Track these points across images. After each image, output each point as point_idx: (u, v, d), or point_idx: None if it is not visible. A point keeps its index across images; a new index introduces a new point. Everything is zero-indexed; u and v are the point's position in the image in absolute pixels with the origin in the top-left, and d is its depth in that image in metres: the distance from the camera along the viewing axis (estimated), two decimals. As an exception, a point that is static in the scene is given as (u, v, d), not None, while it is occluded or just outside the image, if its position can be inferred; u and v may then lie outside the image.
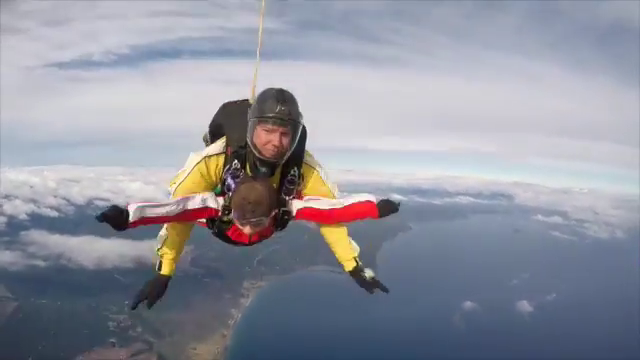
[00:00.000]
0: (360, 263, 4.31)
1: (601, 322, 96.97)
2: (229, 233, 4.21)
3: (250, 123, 3.71)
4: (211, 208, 3.90)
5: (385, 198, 4.19)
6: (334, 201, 4.15)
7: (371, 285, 4.22)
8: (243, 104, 4.18)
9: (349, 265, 4.33)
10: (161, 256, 4.11)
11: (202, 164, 3.94)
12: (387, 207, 4.14)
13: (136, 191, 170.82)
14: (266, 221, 3.73)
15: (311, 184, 4.19)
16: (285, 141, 3.66)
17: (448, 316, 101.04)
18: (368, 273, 4.25)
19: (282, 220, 4.16)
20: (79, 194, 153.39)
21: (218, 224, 4.13)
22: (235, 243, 4.42)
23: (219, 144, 4.01)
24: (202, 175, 3.94)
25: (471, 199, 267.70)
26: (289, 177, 4.06)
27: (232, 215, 3.78)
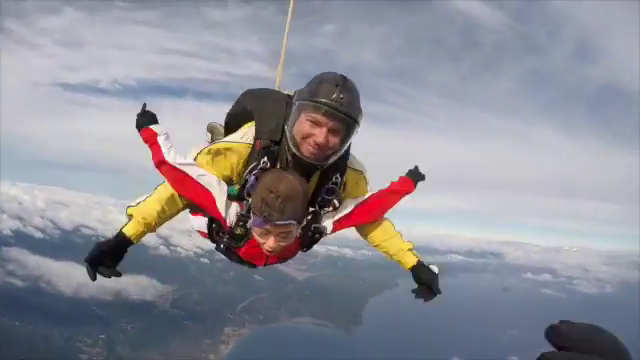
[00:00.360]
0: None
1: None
2: (241, 251, 3.42)
3: (294, 108, 3.01)
4: (215, 203, 3.20)
5: (411, 170, 3.89)
6: (360, 197, 3.59)
7: (431, 289, 3.60)
8: (279, 93, 3.55)
9: (409, 259, 3.66)
10: (131, 215, 3.23)
11: (220, 153, 3.24)
12: (417, 175, 3.84)
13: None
14: (296, 231, 3.04)
15: (353, 191, 3.55)
16: (333, 140, 2.96)
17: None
18: (433, 268, 3.68)
19: (312, 238, 3.46)
20: (67, 219, 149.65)
21: (227, 239, 3.36)
22: (245, 263, 3.66)
23: (245, 133, 3.25)
24: (216, 166, 3.26)
25: (461, 257, 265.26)
26: (329, 186, 3.29)
27: (251, 222, 3.02)
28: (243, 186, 3.18)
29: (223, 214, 3.19)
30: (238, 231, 3.21)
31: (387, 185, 3.74)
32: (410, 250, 3.70)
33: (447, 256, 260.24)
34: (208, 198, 3.15)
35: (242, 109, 3.45)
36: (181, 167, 3.17)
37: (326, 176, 3.24)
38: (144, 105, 3.53)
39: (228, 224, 3.23)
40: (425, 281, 3.60)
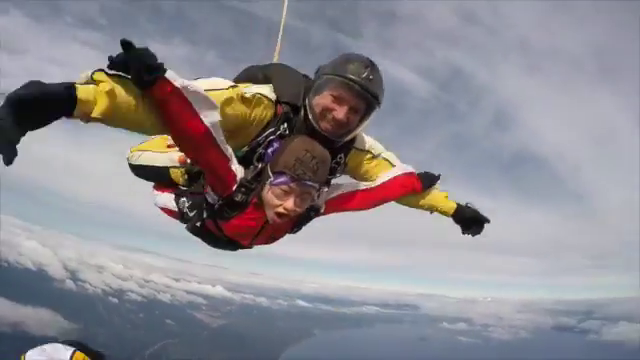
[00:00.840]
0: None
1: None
2: (229, 225, 3.05)
3: (319, 81, 2.91)
4: (230, 164, 2.73)
5: (424, 172, 3.69)
6: (368, 182, 3.47)
7: (479, 221, 3.64)
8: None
9: (450, 205, 3.66)
10: (97, 81, 2.05)
11: (248, 101, 2.82)
12: (430, 178, 3.65)
13: (30, 250, 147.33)
14: (315, 196, 2.94)
15: (356, 168, 3.43)
16: (352, 118, 2.91)
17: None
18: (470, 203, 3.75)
19: (307, 216, 3.20)
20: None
21: (220, 208, 2.97)
22: (225, 245, 3.39)
23: (269, 89, 2.96)
24: (235, 112, 2.75)
25: (377, 309, 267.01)
26: (332, 164, 3.05)
27: (270, 181, 2.74)
28: (252, 150, 2.89)
29: (238, 175, 2.80)
30: (239, 198, 2.84)
31: (394, 173, 3.49)
32: (446, 197, 3.69)
33: (363, 307, 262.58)
34: (225, 159, 2.70)
35: (253, 76, 3.18)
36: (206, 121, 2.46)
37: (332, 154, 2.96)
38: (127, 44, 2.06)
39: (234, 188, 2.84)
40: (472, 216, 3.60)
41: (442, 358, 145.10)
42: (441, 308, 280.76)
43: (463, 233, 3.65)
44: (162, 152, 3.48)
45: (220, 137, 2.57)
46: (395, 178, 3.45)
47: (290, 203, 2.73)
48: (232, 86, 2.74)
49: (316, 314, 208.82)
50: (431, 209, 3.66)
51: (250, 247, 3.38)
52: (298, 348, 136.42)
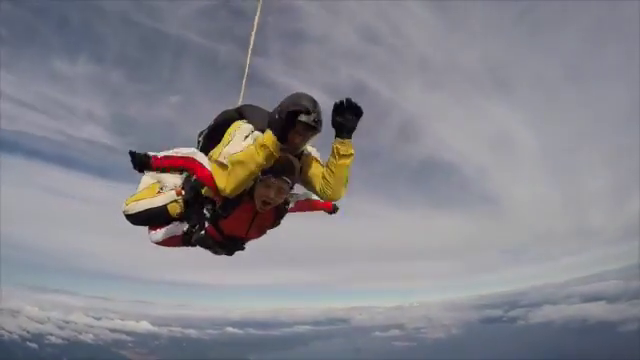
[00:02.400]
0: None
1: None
2: (228, 222, 4.33)
3: (279, 120, 3.90)
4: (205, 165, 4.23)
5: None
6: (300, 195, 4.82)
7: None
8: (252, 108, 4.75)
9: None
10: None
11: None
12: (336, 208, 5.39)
13: None
14: (288, 192, 4.16)
15: (313, 167, 4.38)
16: (304, 143, 4.15)
17: None
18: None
19: (282, 210, 4.53)
20: None
21: (219, 208, 4.23)
22: (226, 245, 4.61)
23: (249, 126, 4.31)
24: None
25: (309, 327, 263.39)
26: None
27: (260, 177, 3.98)
28: None
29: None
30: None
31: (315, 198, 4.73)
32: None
33: (294, 327, 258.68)
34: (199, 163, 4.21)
35: (229, 118, 4.52)
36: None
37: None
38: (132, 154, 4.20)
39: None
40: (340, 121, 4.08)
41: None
42: (371, 318, 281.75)
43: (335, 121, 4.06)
44: (156, 196, 4.51)
45: (203, 159, 4.20)
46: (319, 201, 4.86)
47: (272, 193, 3.99)
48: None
49: (248, 339, 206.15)
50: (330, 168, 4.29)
51: (244, 243, 4.65)
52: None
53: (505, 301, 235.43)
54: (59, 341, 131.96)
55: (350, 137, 4.08)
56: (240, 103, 5.49)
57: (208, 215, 4.29)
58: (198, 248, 4.61)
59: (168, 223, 4.59)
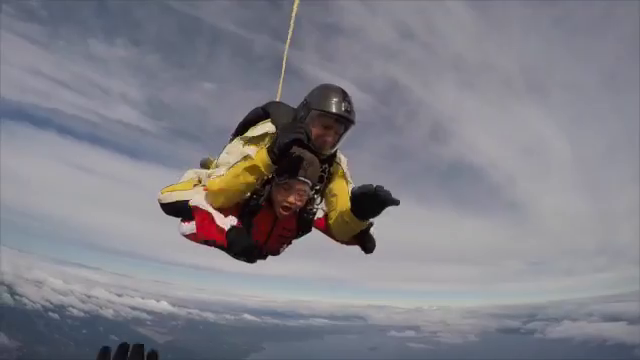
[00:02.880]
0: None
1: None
2: (256, 229, 3.99)
3: (312, 114, 3.84)
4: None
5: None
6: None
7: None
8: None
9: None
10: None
11: (260, 136, 3.95)
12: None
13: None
14: (310, 193, 3.83)
15: (337, 183, 4.16)
16: (336, 139, 3.93)
17: None
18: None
19: (307, 220, 4.12)
20: None
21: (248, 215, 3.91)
22: (253, 251, 3.99)
23: (269, 124, 4.04)
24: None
25: (325, 321, 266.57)
26: (320, 172, 4.00)
27: (275, 181, 3.72)
28: None
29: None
30: (252, 203, 3.80)
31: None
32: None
33: (311, 320, 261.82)
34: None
35: (257, 115, 4.33)
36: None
37: (320, 164, 3.89)
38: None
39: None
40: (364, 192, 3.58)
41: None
42: (388, 318, 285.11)
43: (354, 212, 3.69)
44: (190, 189, 4.25)
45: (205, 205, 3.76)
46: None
47: (292, 198, 3.69)
48: (243, 142, 3.96)
49: (264, 328, 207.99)
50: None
51: (265, 253, 4.21)
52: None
53: (524, 313, 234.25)
54: (80, 314, 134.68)
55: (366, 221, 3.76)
56: (279, 96, 5.48)
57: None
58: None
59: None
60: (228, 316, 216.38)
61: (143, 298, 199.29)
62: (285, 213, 3.79)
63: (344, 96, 3.79)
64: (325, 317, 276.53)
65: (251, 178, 3.60)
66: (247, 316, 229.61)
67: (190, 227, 4.02)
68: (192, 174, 4.54)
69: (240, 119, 4.57)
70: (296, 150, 3.60)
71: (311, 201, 4.02)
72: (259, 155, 3.53)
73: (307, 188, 3.72)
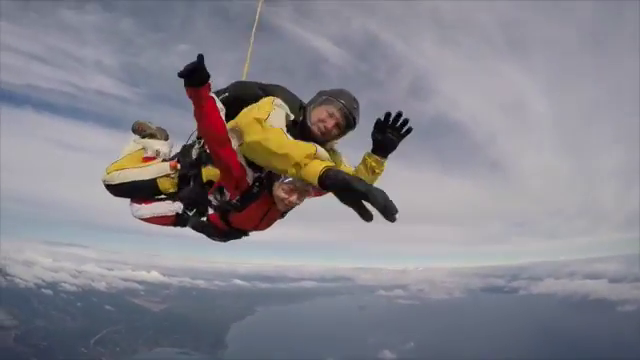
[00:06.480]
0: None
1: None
2: (241, 216, 3.88)
3: (322, 98, 3.84)
4: (242, 162, 3.52)
5: None
6: None
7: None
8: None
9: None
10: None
11: (280, 106, 3.68)
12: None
13: None
14: (312, 191, 3.69)
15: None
16: (335, 131, 3.84)
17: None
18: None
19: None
20: None
21: (236, 201, 3.76)
22: (229, 234, 4.19)
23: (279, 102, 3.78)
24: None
25: (315, 283, 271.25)
26: None
27: (281, 180, 3.62)
28: None
29: (249, 173, 3.60)
30: (255, 190, 3.71)
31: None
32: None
33: (300, 282, 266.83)
34: (236, 158, 3.45)
35: (252, 94, 3.94)
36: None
37: None
38: (202, 58, 2.91)
39: (249, 182, 3.66)
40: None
41: (384, 322, 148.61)
42: (375, 278, 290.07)
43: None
44: (145, 166, 4.15)
45: (234, 143, 3.40)
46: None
47: (295, 198, 3.66)
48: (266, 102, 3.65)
49: (255, 292, 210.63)
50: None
51: (247, 234, 4.25)
52: (243, 324, 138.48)
53: (508, 273, 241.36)
54: (73, 288, 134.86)
55: (387, 157, 3.91)
56: (249, 54, 5.20)
57: (216, 204, 3.83)
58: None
59: (153, 197, 4.08)
60: (219, 282, 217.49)
61: (133, 270, 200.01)
62: (285, 209, 3.87)
63: (355, 101, 3.85)
64: (314, 279, 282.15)
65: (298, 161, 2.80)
66: (238, 281, 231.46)
67: (151, 209, 3.99)
68: (134, 145, 4.40)
69: (220, 81, 3.98)
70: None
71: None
72: (314, 165, 2.72)
73: (310, 189, 3.66)
